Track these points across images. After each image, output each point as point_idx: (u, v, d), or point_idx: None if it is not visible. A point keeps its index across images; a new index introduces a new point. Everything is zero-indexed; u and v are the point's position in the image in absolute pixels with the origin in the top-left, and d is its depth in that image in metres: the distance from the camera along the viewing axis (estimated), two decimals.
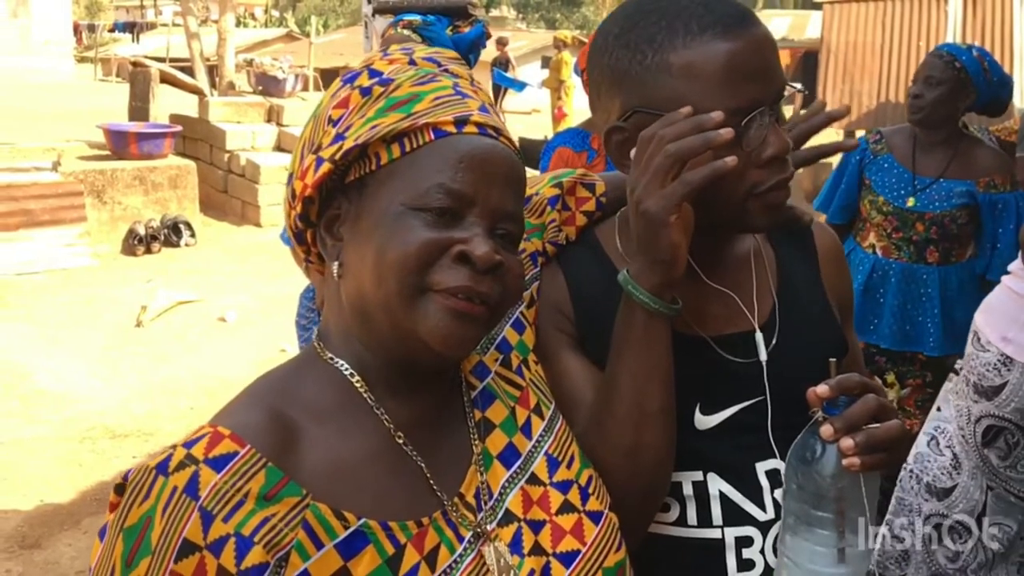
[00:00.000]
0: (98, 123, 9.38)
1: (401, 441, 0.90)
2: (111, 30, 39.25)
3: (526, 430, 0.99)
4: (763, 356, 1.10)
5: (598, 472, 1.00)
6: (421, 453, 0.90)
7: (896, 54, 8.18)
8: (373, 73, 0.94)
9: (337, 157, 0.89)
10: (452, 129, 0.89)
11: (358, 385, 0.91)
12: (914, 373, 3.21)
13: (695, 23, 0.98)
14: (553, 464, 0.97)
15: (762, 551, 1.07)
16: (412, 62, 0.96)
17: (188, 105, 10.86)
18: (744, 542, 1.07)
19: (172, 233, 8.38)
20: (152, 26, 38.50)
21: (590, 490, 0.97)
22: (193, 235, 8.49)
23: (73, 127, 10.74)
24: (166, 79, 10.87)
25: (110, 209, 8.38)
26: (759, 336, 1.11)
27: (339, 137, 0.90)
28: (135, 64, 11.25)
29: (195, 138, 10.15)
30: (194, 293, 6.92)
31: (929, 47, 7.85)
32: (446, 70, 0.97)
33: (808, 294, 1.19)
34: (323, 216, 0.94)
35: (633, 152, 1.02)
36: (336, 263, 0.91)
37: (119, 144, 8.80)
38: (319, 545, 0.80)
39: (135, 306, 6.49)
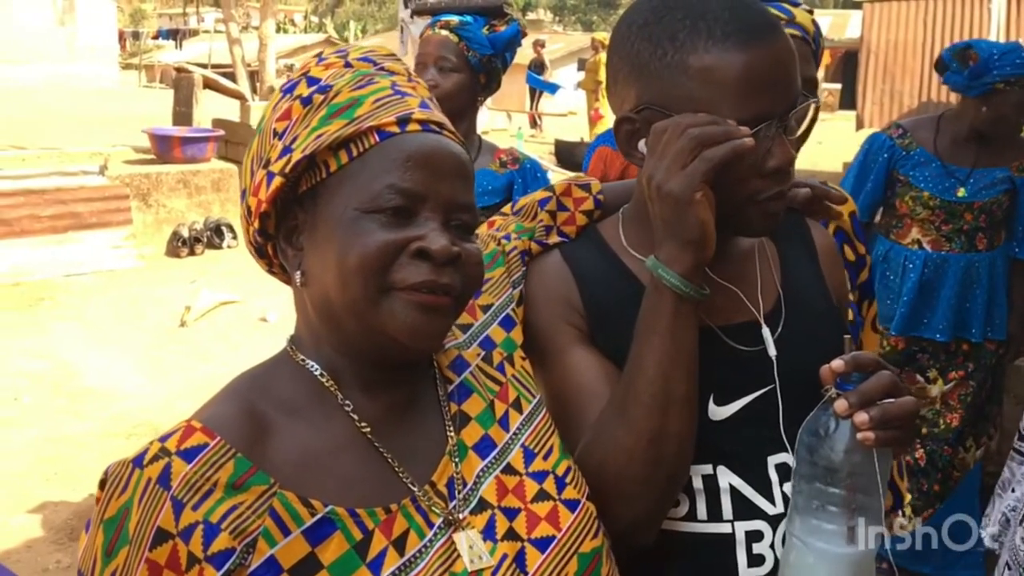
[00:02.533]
0: (143, 128, 9.57)
1: (367, 432, 0.91)
2: (155, 37, 40.04)
3: (503, 423, 1.00)
4: (772, 351, 1.10)
5: (620, 462, 1.00)
6: (391, 445, 0.92)
7: (938, 53, 8.07)
8: (311, 81, 0.94)
9: (287, 170, 0.89)
10: (395, 129, 0.90)
11: (327, 383, 0.93)
12: (956, 366, 3.22)
13: (719, 28, 0.98)
14: (529, 455, 0.98)
15: (772, 546, 1.06)
16: (348, 64, 0.96)
17: (230, 110, 11.06)
18: (754, 537, 1.07)
19: (215, 235, 8.53)
20: (194, 33, 39.08)
21: (567, 480, 0.97)
22: (235, 237, 8.62)
23: (119, 132, 10.96)
24: (209, 84, 11.07)
25: (155, 212, 8.55)
26: (766, 331, 1.11)
27: (286, 150, 0.90)
28: (179, 70, 11.49)
29: (237, 142, 10.31)
30: (236, 294, 7.03)
31: None
32: (382, 68, 0.97)
33: (811, 287, 1.20)
34: (281, 228, 0.94)
35: (642, 143, 1.03)
36: (298, 272, 0.93)
37: (163, 148, 8.98)
38: (286, 532, 0.82)
39: (179, 306, 6.62)
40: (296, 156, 0.89)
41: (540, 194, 1.21)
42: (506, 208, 1.26)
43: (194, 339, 6.18)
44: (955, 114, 3.27)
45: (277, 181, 0.90)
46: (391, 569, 0.85)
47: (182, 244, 8.33)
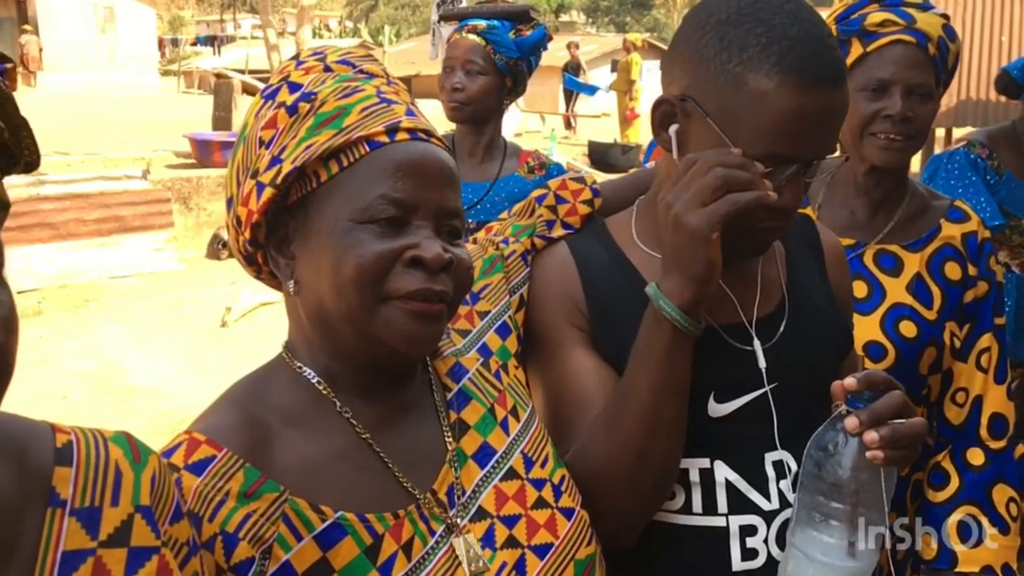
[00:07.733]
0: (183, 133, 9.75)
1: (368, 439, 0.92)
2: (193, 44, 40.72)
3: (504, 426, 1.02)
4: (762, 363, 1.10)
5: (609, 470, 1.02)
6: (391, 451, 0.93)
7: (977, 50, 7.96)
8: (293, 87, 0.94)
9: (278, 181, 0.89)
10: (385, 139, 0.90)
11: (324, 390, 0.93)
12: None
13: (789, 59, 0.96)
14: (528, 462, 1.00)
15: (766, 540, 1.07)
16: (328, 68, 0.96)
17: None
18: (748, 531, 1.07)
19: None
20: (232, 39, 39.71)
21: (563, 488, 1.00)
22: None
23: (160, 137, 11.16)
24: (248, 90, 11.25)
25: (195, 215, 8.72)
26: (757, 344, 1.11)
27: (275, 160, 0.90)
28: (218, 76, 11.69)
29: None
30: (275, 295, 7.10)
31: (1011, 43, 7.62)
32: (361, 71, 0.97)
33: (816, 288, 1.21)
34: (272, 238, 0.94)
35: (673, 128, 1.04)
36: (291, 281, 0.93)
37: (204, 153, 9.16)
38: (299, 537, 0.83)
39: (220, 307, 6.75)
40: (286, 167, 0.89)
41: (536, 192, 1.23)
42: (503, 214, 1.27)
43: (235, 339, 6.29)
44: None
45: (268, 192, 0.90)
46: (400, 573, 0.86)
47: (222, 246, 8.46)
